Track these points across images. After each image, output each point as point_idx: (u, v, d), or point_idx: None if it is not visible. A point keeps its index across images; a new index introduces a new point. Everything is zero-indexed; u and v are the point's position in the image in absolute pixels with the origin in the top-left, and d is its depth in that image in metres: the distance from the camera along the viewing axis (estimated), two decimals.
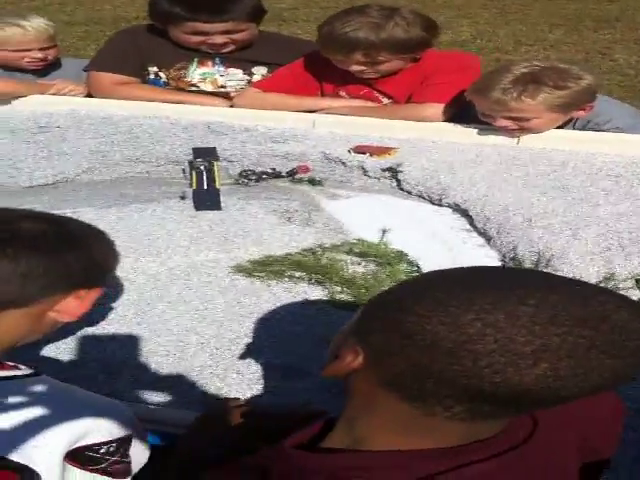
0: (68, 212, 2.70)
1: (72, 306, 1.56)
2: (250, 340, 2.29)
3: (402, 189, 3.17)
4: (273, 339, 2.29)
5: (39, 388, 1.46)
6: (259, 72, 3.93)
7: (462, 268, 1.15)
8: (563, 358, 0.94)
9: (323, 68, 3.67)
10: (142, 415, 1.75)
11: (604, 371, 0.96)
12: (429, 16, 3.58)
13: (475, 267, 1.16)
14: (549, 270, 2.55)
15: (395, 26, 3.37)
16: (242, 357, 2.22)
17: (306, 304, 2.43)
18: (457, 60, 3.65)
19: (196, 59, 3.89)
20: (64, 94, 3.87)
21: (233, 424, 1.56)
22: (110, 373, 2.18)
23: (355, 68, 3.52)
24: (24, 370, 1.49)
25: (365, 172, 3.23)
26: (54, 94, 3.84)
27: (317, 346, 2.23)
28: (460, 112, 3.46)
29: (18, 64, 3.99)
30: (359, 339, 1.11)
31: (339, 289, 2.47)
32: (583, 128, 3.35)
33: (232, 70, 3.90)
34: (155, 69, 3.92)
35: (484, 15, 11.13)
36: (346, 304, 2.41)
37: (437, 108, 3.45)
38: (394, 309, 1.05)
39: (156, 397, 2.10)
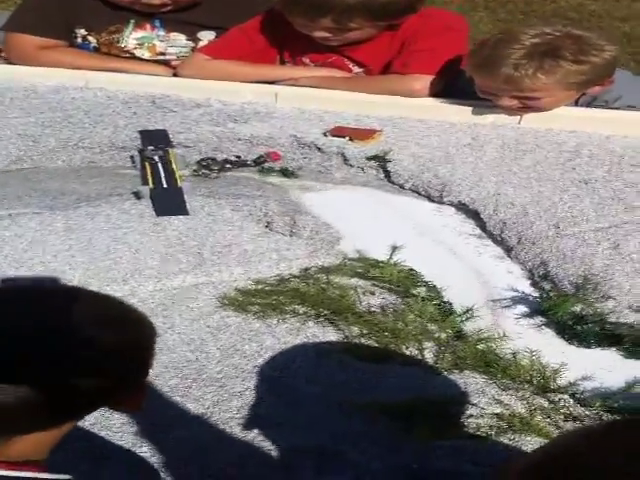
0: (1, 214, 2.31)
1: None
2: (260, 410, 1.80)
3: (392, 182, 2.70)
4: (290, 409, 1.81)
5: None
6: (206, 37, 3.34)
7: None
8: None
9: (283, 30, 3.11)
10: None
11: None
12: None
13: None
14: (596, 299, 2.11)
15: None
16: (250, 437, 1.73)
17: (320, 354, 1.97)
18: (440, 20, 3.09)
19: (132, 21, 3.31)
20: None
21: None
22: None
23: (319, 34, 2.98)
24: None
25: (346, 160, 2.76)
26: None
27: (351, 419, 1.77)
28: (448, 84, 2.96)
29: None
30: None
31: (357, 331, 2.01)
32: (588, 105, 2.90)
33: (174, 35, 3.32)
34: (83, 32, 3.32)
35: None
36: (370, 354, 1.97)
37: (424, 80, 2.94)
38: None
39: None
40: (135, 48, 3.31)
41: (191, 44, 3.35)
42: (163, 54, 3.34)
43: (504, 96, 2.71)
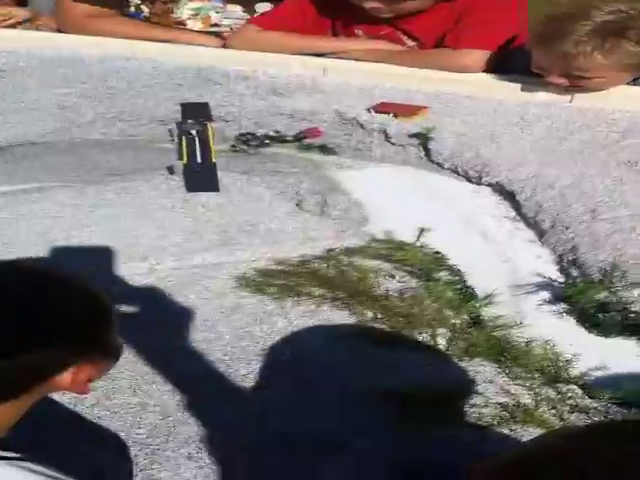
0: (32, 187, 2.33)
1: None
2: (263, 394, 1.78)
3: (432, 161, 2.64)
4: (292, 394, 1.78)
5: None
6: (263, 9, 3.30)
7: None
8: None
9: (337, 1, 3.04)
10: None
11: None
12: None
13: None
14: (623, 286, 2.04)
15: None
16: (250, 423, 1.71)
17: (331, 338, 1.93)
18: None
19: None
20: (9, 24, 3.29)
21: None
22: (89, 441, 1.66)
23: (370, 5, 2.89)
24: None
25: (387, 137, 2.72)
26: None
27: (354, 405, 1.74)
28: (503, 60, 2.87)
29: None
30: None
31: (371, 315, 1.98)
32: None
33: (231, 6, 3.29)
34: (137, 1, 3.30)
35: None
36: (383, 340, 1.93)
37: (477, 55, 2.84)
38: None
39: None
40: (189, 19, 3.28)
41: (247, 16, 3.31)
42: (217, 25, 3.31)
43: (554, 73, 2.62)
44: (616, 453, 0.86)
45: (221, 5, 3.28)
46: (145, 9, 3.32)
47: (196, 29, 3.29)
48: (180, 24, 3.30)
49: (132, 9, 3.34)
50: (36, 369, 1.23)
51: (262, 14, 3.25)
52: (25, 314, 1.20)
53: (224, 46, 3.16)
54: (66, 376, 1.25)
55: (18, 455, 1.22)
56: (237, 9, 3.29)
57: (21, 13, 3.39)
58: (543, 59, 2.62)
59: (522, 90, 2.79)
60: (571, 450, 0.89)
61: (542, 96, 2.76)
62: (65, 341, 1.25)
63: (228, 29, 3.28)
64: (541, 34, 2.59)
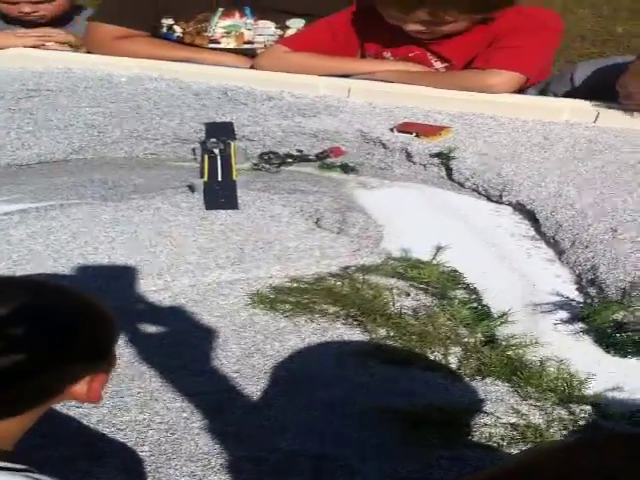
0: (54, 205, 2.34)
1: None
2: (268, 412, 1.76)
3: (453, 180, 2.64)
4: (299, 412, 1.77)
5: None
6: (295, 26, 3.32)
7: None
8: None
9: (367, 24, 3.07)
10: None
11: None
12: None
13: None
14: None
15: None
16: (256, 440, 1.70)
17: (342, 355, 1.92)
18: (535, 18, 2.97)
19: (221, 9, 3.31)
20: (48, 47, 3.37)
21: None
22: (92, 457, 1.66)
23: (412, 27, 2.90)
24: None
25: (409, 157, 2.71)
26: (35, 46, 3.35)
27: (360, 424, 1.72)
28: (532, 84, 2.89)
29: (15, 16, 3.56)
30: None
31: (384, 333, 1.97)
32: None
33: (263, 23, 3.30)
34: (170, 21, 3.34)
35: None
36: (394, 358, 1.91)
37: (502, 76, 2.85)
38: None
39: None
40: (222, 37, 3.30)
41: (280, 32, 3.33)
42: (250, 42, 3.32)
43: None
44: (614, 464, 0.84)
45: (253, 22, 3.29)
46: (178, 29, 3.34)
47: (230, 47, 3.31)
48: (214, 42, 3.31)
49: (164, 29, 3.36)
50: (51, 385, 1.24)
51: (292, 35, 3.27)
52: (43, 332, 1.21)
53: (252, 66, 3.17)
54: (81, 386, 1.27)
55: (25, 467, 1.23)
56: (269, 25, 3.30)
57: (65, 36, 3.45)
58: None
59: (547, 111, 2.78)
60: (567, 460, 0.87)
61: (566, 116, 2.75)
62: (80, 356, 1.26)
63: (262, 46, 3.30)
64: None
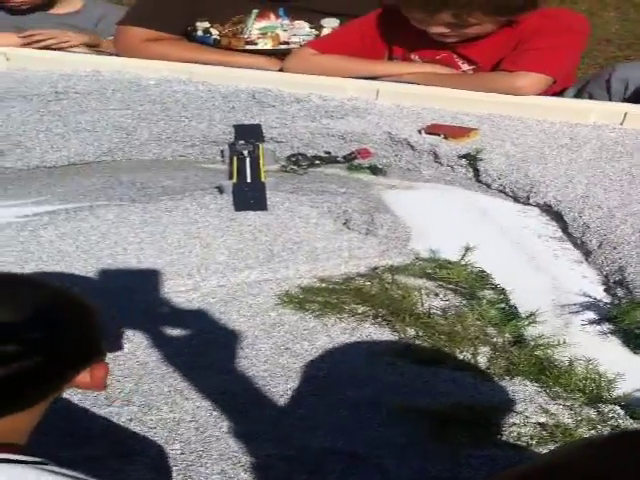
0: (83, 206, 2.37)
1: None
2: (299, 411, 1.78)
3: (480, 181, 2.65)
4: (329, 411, 1.78)
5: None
6: (329, 25, 3.34)
7: None
8: None
9: (395, 26, 3.08)
10: None
11: None
12: None
13: None
14: None
15: None
16: (284, 438, 1.71)
17: (372, 355, 1.93)
18: (561, 21, 2.99)
19: (255, 11, 3.32)
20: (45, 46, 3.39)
21: None
22: (122, 456, 1.67)
23: (436, 30, 2.92)
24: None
25: (437, 158, 2.72)
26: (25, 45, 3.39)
27: (390, 423, 1.73)
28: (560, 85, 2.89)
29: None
30: None
31: (413, 333, 1.97)
32: None
33: (298, 23, 3.32)
34: (206, 24, 3.35)
35: None
36: (423, 358, 1.92)
37: (530, 78, 2.85)
38: None
39: None
40: (258, 38, 3.32)
41: (315, 32, 3.35)
42: (287, 43, 3.34)
43: None
44: None
45: (288, 22, 3.31)
46: (214, 32, 3.35)
47: (267, 47, 3.33)
48: (251, 44, 3.32)
49: (200, 32, 3.38)
50: (56, 379, 1.26)
51: (320, 38, 3.30)
52: (48, 330, 1.22)
53: (281, 69, 3.19)
54: (83, 375, 1.29)
55: (39, 459, 1.23)
56: (304, 25, 3.32)
57: (79, 38, 3.46)
58: None
59: (574, 112, 2.79)
60: (600, 457, 0.88)
61: (593, 118, 2.75)
62: (80, 349, 1.28)
63: (298, 46, 3.31)
64: None
